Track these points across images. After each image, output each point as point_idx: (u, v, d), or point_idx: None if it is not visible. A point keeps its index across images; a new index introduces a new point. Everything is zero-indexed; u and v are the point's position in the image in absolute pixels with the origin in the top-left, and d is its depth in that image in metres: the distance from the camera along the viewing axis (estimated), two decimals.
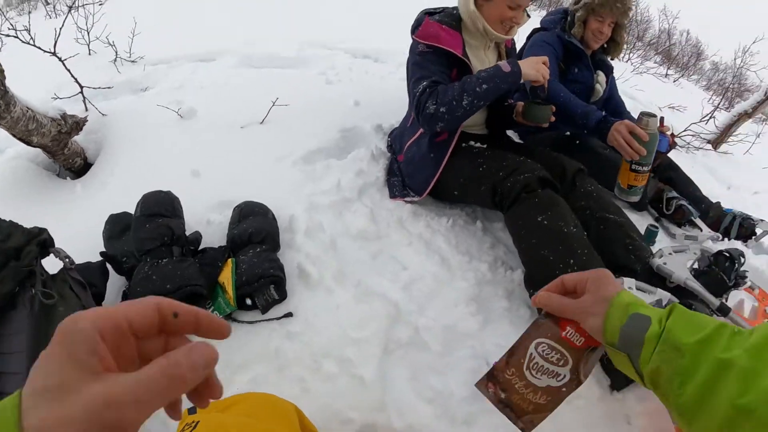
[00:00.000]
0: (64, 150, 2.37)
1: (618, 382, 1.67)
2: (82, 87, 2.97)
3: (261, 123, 2.74)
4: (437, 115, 1.97)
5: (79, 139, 2.56)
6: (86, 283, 1.55)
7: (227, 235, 1.91)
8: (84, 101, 2.94)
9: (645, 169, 2.03)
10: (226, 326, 0.51)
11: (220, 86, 3.25)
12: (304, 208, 2.04)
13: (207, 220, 2.01)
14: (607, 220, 2.03)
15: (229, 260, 1.76)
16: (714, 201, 2.87)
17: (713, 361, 0.67)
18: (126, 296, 1.69)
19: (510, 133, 2.98)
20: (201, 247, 1.87)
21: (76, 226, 1.97)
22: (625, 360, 0.77)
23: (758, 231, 2.71)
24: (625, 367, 0.79)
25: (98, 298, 1.62)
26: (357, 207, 2.12)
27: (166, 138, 2.63)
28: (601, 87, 2.91)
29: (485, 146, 2.26)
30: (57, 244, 1.53)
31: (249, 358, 1.56)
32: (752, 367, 0.64)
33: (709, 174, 4.30)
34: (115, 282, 1.73)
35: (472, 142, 2.27)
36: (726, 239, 2.71)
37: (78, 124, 2.40)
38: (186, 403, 0.49)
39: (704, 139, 5.08)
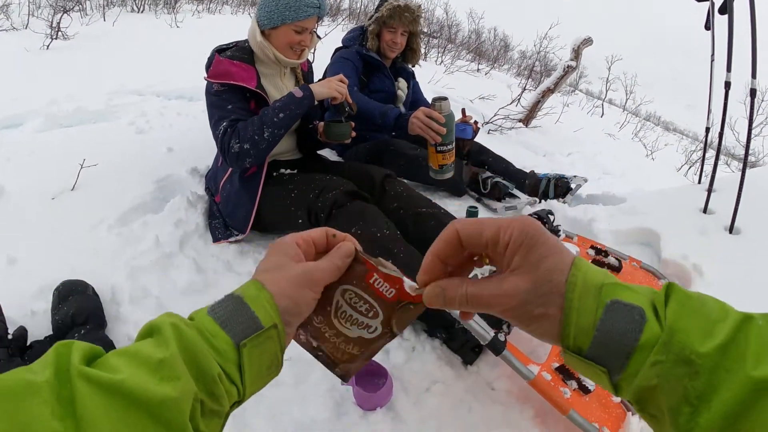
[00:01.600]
0: None
1: (468, 357, 1.81)
2: None
3: (72, 190, 2.61)
4: (242, 152, 2.03)
5: None
6: None
7: (51, 322, 1.86)
8: None
9: (449, 147, 2.26)
10: (355, 242, 0.73)
11: (27, 155, 2.98)
12: (126, 275, 2.00)
13: (31, 310, 1.91)
14: (420, 214, 2.19)
15: None
16: (529, 171, 3.15)
17: (744, 381, 0.43)
18: None
19: (328, 152, 3.13)
20: (29, 342, 1.80)
21: None
22: (599, 373, 0.49)
23: (573, 186, 3.00)
24: (596, 378, 0.50)
25: None
26: (180, 261, 2.11)
27: None
28: (403, 92, 3.14)
29: (295, 171, 2.35)
30: None
31: None
32: None
33: (525, 148, 4.72)
34: None
35: (282, 170, 2.35)
36: (544, 200, 2.97)
37: None
38: None
39: (514, 119, 5.60)
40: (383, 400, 1.68)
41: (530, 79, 8.21)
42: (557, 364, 1.61)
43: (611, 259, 2.10)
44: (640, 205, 2.80)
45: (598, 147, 6.11)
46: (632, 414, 1.48)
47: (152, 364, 0.51)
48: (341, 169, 2.43)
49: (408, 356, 1.83)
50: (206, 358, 0.55)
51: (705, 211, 2.66)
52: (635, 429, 1.48)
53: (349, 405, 1.69)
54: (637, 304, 0.47)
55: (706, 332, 0.45)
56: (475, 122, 2.90)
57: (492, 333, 1.54)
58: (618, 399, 1.52)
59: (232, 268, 2.15)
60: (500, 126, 5.27)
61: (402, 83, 3.17)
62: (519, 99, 6.28)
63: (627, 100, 12.97)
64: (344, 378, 0.75)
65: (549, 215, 2.14)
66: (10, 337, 1.75)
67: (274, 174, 2.31)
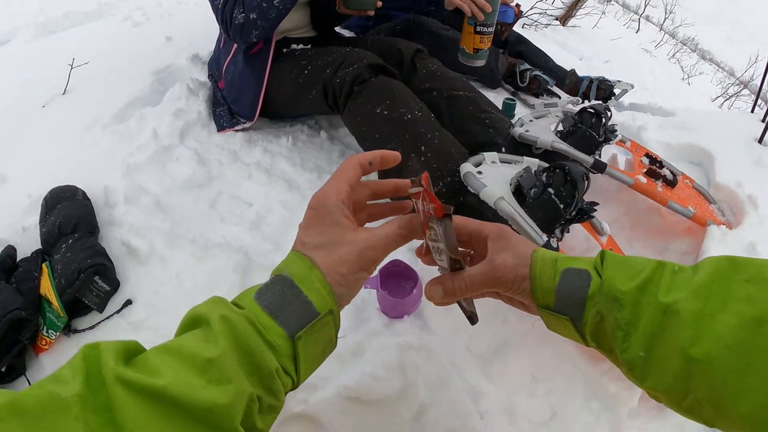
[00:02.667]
0: None
1: None
2: None
3: (63, 94, 2.37)
4: (248, 23, 1.72)
5: None
6: None
7: (39, 236, 1.63)
8: None
9: (489, 30, 1.90)
10: (396, 156, 0.75)
11: (16, 69, 2.79)
12: (121, 174, 1.76)
13: (21, 227, 1.71)
14: (457, 97, 1.85)
15: (44, 266, 1.49)
16: (569, 69, 2.85)
17: (655, 307, 0.60)
18: None
19: (347, 33, 2.77)
20: (18, 261, 1.58)
21: None
22: (565, 322, 0.70)
23: (616, 91, 2.74)
24: (562, 329, 0.72)
25: None
26: (180, 152, 1.84)
27: None
28: None
29: (309, 46, 2.00)
30: None
31: None
32: (701, 311, 0.57)
33: (561, 48, 4.36)
34: None
35: (294, 46, 2.00)
36: (586, 102, 2.70)
37: None
38: None
39: (551, 15, 5.21)
40: (411, 307, 1.44)
41: None
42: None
43: (666, 172, 1.83)
44: (691, 122, 2.48)
45: (635, 60, 5.67)
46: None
47: (199, 364, 0.49)
48: (363, 44, 2.05)
49: None
50: (262, 354, 0.53)
51: (761, 141, 2.34)
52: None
53: (371, 311, 1.47)
54: (584, 268, 0.69)
55: (628, 277, 0.64)
56: (518, 5, 2.60)
57: (545, 237, 1.35)
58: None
59: (239, 157, 1.88)
60: (536, 21, 4.85)
61: None
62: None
63: (665, 19, 11.91)
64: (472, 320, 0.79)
65: (607, 111, 1.78)
66: None
67: (284, 50, 1.97)
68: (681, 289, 0.60)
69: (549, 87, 2.74)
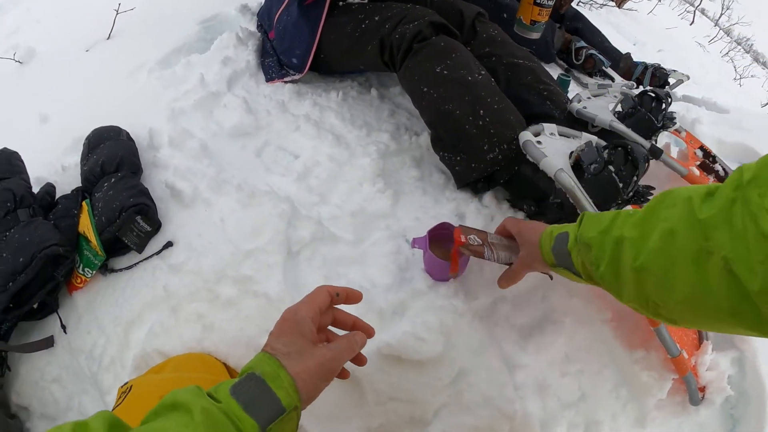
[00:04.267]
0: None
1: None
2: None
3: (107, 39, 2.33)
4: None
5: None
6: None
7: (80, 174, 1.59)
8: None
9: (549, 3, 1.82)
10: (359, 296, 0.91)
11: (58, 14, 2.77)
12: (166, 117, 1.71)
13: (62, 166, 1.68)
14: (517, 65, 1.77)
15: (84, 203, 1.45)
16: (624, 52, 2.80)
17: (611, 241, 0.85)
18: None
19: None
20: (57, 198, 1.55)
21: None
22: (565, 272, 1.02)
23: (671, 81, 2.67)
24: (568, 276, 1.04)
25: None
26: (228, 100, 1.78)
27: (5, 92, 2.25)
28: None
29: (366, 0, 1.92)
30: None
31: (139, 308, 1.31)
32: (639, 235, 0.79)
33: (615, 30, 4.28)
34: None
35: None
36: (639, 87, 2.61)
37: None
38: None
39: None
40: (458, 271, 1.37)
41: None
42: None
43: (718, 167, 1.78)
44: (746, 123, 2.41)
45: (688, 53, 5.56)
46: (707, 341, 1.43)
47: None
48: (422, 2, 1.96)
49: (487, 225, 1.52)
50: None
51: None
52: (707, 358, 1.39)
53: (415, 271, 1.42)
54: (566, 231, 0.99)
55: (595, 227, 0.89)
56: None
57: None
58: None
59: (288, 109, 1.81)
60: (592, 0, 4.69)
61: None
62: None
63: (721, 14, 11.51)
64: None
65: (668, 97, 1.71)
66: (36, 193, 1.52)
67: (340, 3, 1.88)
68: (627, 225, 0.82)
69: (603, 68, 2.66)
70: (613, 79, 2.67)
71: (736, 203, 0.66)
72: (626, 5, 5.21)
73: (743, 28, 10.62)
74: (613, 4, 5.07)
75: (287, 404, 0.66)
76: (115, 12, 2.33)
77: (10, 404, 1.33)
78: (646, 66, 2.69)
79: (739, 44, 10.03)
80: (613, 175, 1.35)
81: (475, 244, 1.28)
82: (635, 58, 2.78)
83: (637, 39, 4.37)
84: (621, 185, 1.32)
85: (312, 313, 0.78)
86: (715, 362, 1.39)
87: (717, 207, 0.68)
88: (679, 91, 2.86)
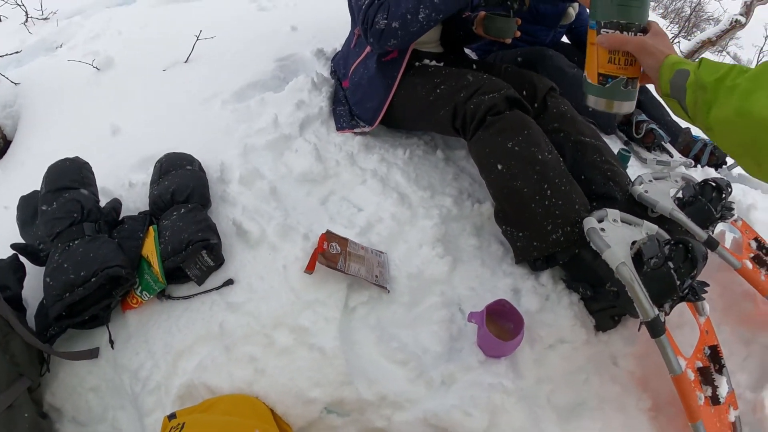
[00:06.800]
0: None
1: (605, 323, 1.52)
2: None
3: (185, 62, 2.41)
4: (389, 30, 1.70)
5: None
6: None
7: (149, 197, 1.63)
8: None
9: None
10: None
11: (139, 28, 2.88)
12: (238, 152, 1.76)
13: (129, 182, 1.73)
14: (585, 144, 1.78)
15: (151, 228, 1.49)
16: (684, 127, 2.74)
17: (725, 89, 0.95)
18: None
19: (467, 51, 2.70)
20: (122, 216, 1.59)
21: None
22: (676, 103, 1.08)
23: (729, 160, 2.63)
24: (676, 109, 1.10)
25: (14, 302, 1.34)
26: (299, 144, 1.83)
27: (81, 96, 2.33)
28: (573, 10, 2.62)
29: (441, 64, 1.96)
30: None
31: (191, 339, 1.34)
32: (749, 88, 0.90)
33: None
34: (36, 275, 1.44)
35: (426, 61, 1.97)
36: (698, 165, 2.58)
37: None
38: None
39: None
40: (510, 350, 1.40)
41: (682, 29, 7.30)
42: (701, 365, 1.41)
43: None
44: None
45: None
46: None
47: None
48: (496, 71, 2.00)
49: (541, 305, 1.53)
50: None
51: None
52: None
53: (465, 342, 1.43)
54: (687, 68, 1.03)
55: (712, 73, 0.97)
56: None
57: (657, 311, 1.29)
58: (732, 418, 1.39)
59: (355, 161, 1.84)
60: None
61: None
62: (673, 43, 5.50)
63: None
64: None
65: (728, 187, 1.72)
66: (102, 207, 1.55)
67: (416, 64, 1.94)
68: (741, 78, 0.93)
69: (663, 143, 2.63)
70: (671, 155, 2.64)
71: None
72: None
73: None
74: None
75: None
76: (195, 38, 2.41)
77: (44, 403, 1.35)
78: (705, 143, 2.65)
79: None
80: (672, 271, 1.35)
81: (334, 252, 1.42)
82: (694, 132, 2.73)
83: None
84: (678, 282, 1.32)
85: None
86: None
87: None
88: (734, 171, 2.81)
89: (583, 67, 1.26)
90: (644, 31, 1.16)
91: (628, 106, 1.22)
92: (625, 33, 1.13)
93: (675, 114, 1.11)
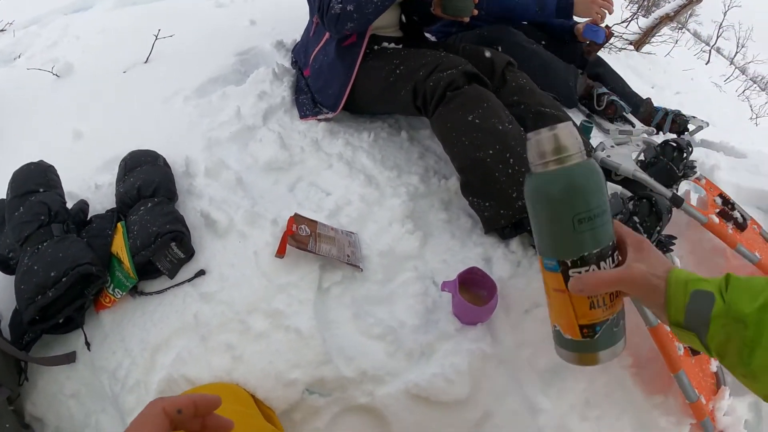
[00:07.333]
0: None
1: None
2: None
3: (145, 62, 2.39)
4: (345, 14, 1.72)
5: None
6: None
7: (115, 195, 1.62)
8: None
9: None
10: (214, 403, 0.64)
11: (97, 33, 2.83)
12: (202, 146, 1.76)
13: (95, 184, 1.71)
14: (545, 114, 1.83)
15: (119, 225, 1.48)
16: (645, 98, 2.82)
17: None
18: None
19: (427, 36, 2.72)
20: (90, 216, 1.58)
21: None
22: (693, 337, 0.76)
23: (690, 127, 2.69)
24: (691, 342, 0.78)
25: None
26: (263, 134, 1.83)
27: (42, 104, 2.29)
28: None
29: (400, 46, 1.99)
30: None
31: (167, 333, 1.33)
32: None
33: (633, 74, 4.28)
34: (8, 285, 1.42)
35: (385, 44, 1.99)
36: (660, 133, 2.66)
37: None
38: None
39: (627, 40, 5.07)
40: (486, 316, 1.42)
41: (638, 3, 7.38)
42: None
43: (737, 214, 1.80)
44: (764, 167, 2.43)
45: (705, 94, 5.50)
46: (725, 386, 1.44)
47: None
48: (455, 49, 2.02)
49: (513, 271, 1.55)
50: None
51: None
52: (725, 404, 1.40)
53: (441, 313, 1.45)
54: (710, 290, 0.73)
55: (750, 299, 0.70)
56: (608, 27, 2.55)
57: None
58: (714, 368, 1.47)
59: (321, 147, 1.86)
60: (611, 44, 4.68)
61: None
62: (632, 20, 5.57)
63: (736, 53, 11.66)
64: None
65: (689, 146, 1.77)
66: (69, 208, 1.54)
67: (376, 47, 1.96)
68: None
69: (624, 113, 2.68)
70: (633, 125, 2.69)
71: None
72: (644, 48, 5.24)
73: (759, 66, 10.73)
74: (632, 48, 5.09)
75: None
76: (154, 37, 2.39)
77: (25, 414, 1.33)
78: (666, 112, 2.72)
79: (754, 82, 10.08)
80: (638, 225, 1.39)
81: (303, 234, 1.41)
82: (654, 102, 2.81)
83: (656, 82, 4.40)
84: (645, 236, 1.35)
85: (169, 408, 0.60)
86: (732, 407, 1.40)
87: None
88: (697, 137, 2.88)
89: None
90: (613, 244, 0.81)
91: (623, 345, 0.87)
92: (601, 263, 0.79)
93: (685, 343, 0.90)
